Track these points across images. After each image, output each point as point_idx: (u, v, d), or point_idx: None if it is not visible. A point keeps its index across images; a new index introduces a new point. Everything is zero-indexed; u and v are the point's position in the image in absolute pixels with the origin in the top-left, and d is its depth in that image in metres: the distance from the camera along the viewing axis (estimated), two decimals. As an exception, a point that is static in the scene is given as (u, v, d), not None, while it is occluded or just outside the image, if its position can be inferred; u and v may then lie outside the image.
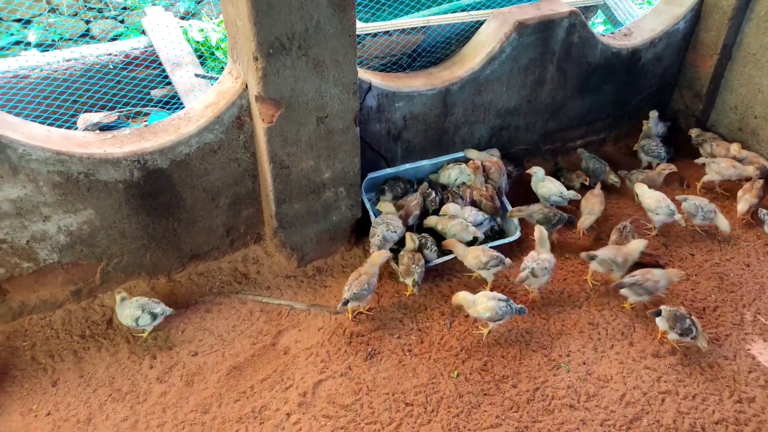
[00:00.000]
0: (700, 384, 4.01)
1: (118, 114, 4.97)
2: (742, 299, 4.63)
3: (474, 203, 4.97)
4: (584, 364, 4.12)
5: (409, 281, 4.38)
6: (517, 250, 4.91)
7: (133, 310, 4.00)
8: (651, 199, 5.09)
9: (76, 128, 5.18)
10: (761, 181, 5.28)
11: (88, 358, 4.03)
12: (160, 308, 4.06)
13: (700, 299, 4.63)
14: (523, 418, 3.75)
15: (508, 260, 4.48)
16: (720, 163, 5.45)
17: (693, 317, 4.11)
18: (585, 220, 5.02)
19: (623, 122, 6.16)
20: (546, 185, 5.17)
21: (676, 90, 6.21)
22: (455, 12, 5.11)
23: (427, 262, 4.53)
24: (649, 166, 5.93)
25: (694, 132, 5.95)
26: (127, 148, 3.96)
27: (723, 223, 5.02)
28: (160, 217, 4.22)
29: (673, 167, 5.55)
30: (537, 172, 5.17)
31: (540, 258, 4.36)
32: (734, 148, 5.65)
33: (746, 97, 5.75)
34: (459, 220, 4.70)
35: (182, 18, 7.92)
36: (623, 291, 4.37)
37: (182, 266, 4.55)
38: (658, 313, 4.14)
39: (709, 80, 5.85)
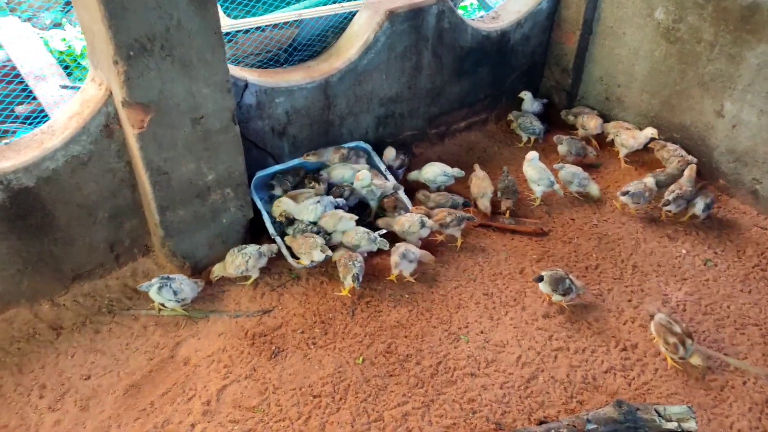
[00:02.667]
0: (588, 338, 4.28)
1: (-26, 134, 4.63)
2: (620, 255, 4.98)
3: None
4: (482, 333, 4.28)
5: (349, 278, 4.35)
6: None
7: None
8: (533, 170, 5.36)
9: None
10: None
11: (-33, 398, 3.74)
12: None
13: (583, 259, 4.93)
14: (428, 392, 3.85)
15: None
16: (621, 134, 5.82)
17: (571, 276, 4.38)
18: (481, 203, 5.20)
19: (501, 101, 6.43)
20: (427, 168, 5.36)
21: (546, 67, 6.55)
22: (327, 4, 5.14)
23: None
24: (529, 141, 6.25)
25: (563, 114, 6.33)
26: (-14, 169, 3.69)
27: (594, 189, 5.39)
28: (33, 239, 3.97)
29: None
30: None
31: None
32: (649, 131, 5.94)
33: (609, 68, 6.16)
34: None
35: (51, 28, 7.45)
36: None
37: (65, 288, 4.31)
38: (540, 279, 4.37)
39: (575, 55, 6.21)
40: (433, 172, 5.35)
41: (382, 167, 5.30)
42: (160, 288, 4.10)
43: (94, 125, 3.83)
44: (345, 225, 4.65)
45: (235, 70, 4.38)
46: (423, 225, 4.68)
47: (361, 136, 5.38)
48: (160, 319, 4.27)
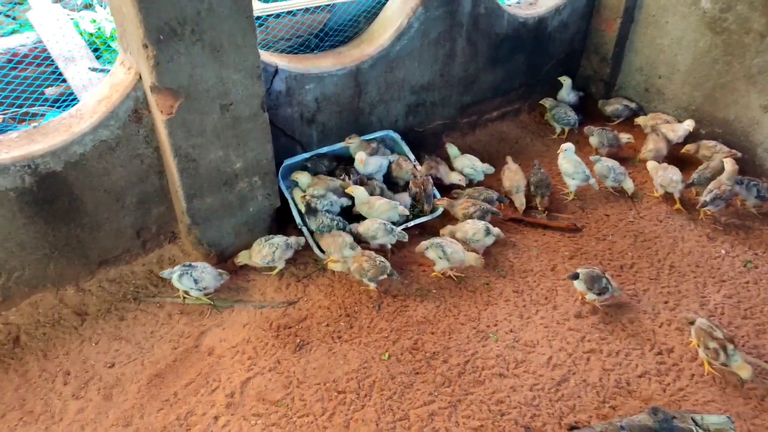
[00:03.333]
0: (623, 340, 4.14)
1: (3, 117, 4.59)
2: (657, 254, 4.80)
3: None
4: (511, 332, 4.16)
5: (377, 280, 4.27)
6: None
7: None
8: (569, 163, 5.19)
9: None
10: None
11: (-7, 381, 3.75)
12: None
13: (618, 258, 4.76)
14: (456, 391, 3.76)
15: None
16: (661, 127, 5.61)
17: (608, 276, 4.22)
18: (518, 200, 5.05)
19: (536, 90, 6.24)
20: (459, 159, 5.23)
21: (584, 56, 6.34)
22: (360, -12, 5.00)
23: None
24: (563, 132, 6.06)
25: (600, 104, 6.13)
26: (15, 152, 3.65)
27: (629, 184, 5.21)
28: (60, 223, 3.93)
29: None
30: (450, 148, 5.24)
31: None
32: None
33: (650, 58, 5.93)
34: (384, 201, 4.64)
35: (82, 9, 7.41)
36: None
37: (91, 274, 4.28)
38: (576, 276, 4.23)
39: (615, 44, 5.99)
40: (461, 163, 5.22)
41: (411, 156, 5.17)
42: (181, 275, 4.05)
43: (122, 110, 3.77)
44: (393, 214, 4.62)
45: (265, 56, 4.28)
46: (488, 233, 4.54)
47: (390, 125, 5.25)
48: (185, 308, 4.23)
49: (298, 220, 4.57)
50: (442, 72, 5.26)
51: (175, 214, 4.42)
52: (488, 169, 5.29)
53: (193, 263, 4.12)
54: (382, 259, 4.24)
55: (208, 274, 4.11)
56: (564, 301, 4.39)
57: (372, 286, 4.31)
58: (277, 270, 4.46)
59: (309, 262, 4.60)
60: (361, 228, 4.53)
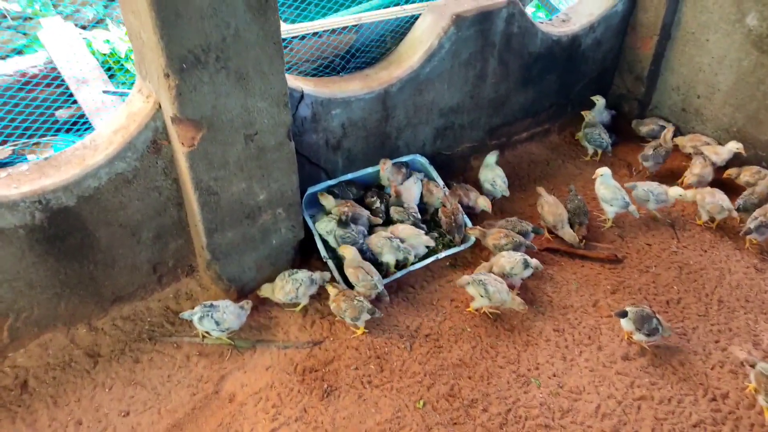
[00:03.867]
0: (674, 385, 3.84)
1: (12, 149, 4.35)
2: (704, 288, 4.51)
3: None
4: (555, 376, 3.87)
5: (359, 319, 4.02)
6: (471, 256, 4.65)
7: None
8: (606, 189, 4.90)
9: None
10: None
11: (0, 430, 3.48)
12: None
13: (663, 292, 4.47)
14: (498, 446, 3.47)
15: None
16: (703, 150, 5.31)
17: (659, 316, 3.93)
18: (567, 235, 4.76)
19: (567, 111, 5.97)
20: (484, 171, 5.05)
21: (617, 74, 6.06)
22: (387, 7, 4.74)
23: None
24: (595, 154, 5.78)
25: (634, 124, 5.84)
26: (25, 187, 3.40)
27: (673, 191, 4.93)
28: (72, 261, 3.68)
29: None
30: (490, 156, 5.13)
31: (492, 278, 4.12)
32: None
33: (688, 77, 5.65)
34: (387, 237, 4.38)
35: (86, 27, 7.20)
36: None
37: (104, 311, 4.03)
38: (624, 314, 3.94)
39: (650, 62, 5.72)
40: (485, 176, 4.99)
41: (440, 181, 4.91)
42: (201, 318, 3.79)
43: (140, 141, 3.52)
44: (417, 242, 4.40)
45: (291, 80, 4.02)
46: (527, 265, 4.25)
47: (417, 149, 4.99)
48: (204, 348, 3.96)
49: (322, 252, 4.31)
50: (472, 94, 5.00)
51: (194, 248, 4.17)
52: (505, 191, 4.99)
53: (214, 303, 3.86)
54: (361, 299, 3.98)
55: (230, 314, 3.85)
56: (609, 341, 4.10)
57: (360, 326, 4.04)
58: (300, 306, 4.19)
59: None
60: (371, 243, 4.34)
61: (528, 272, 4.25)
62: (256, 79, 3.39)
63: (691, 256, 4.80)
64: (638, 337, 3.95)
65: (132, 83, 5.16)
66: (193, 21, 2.99)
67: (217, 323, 3.80)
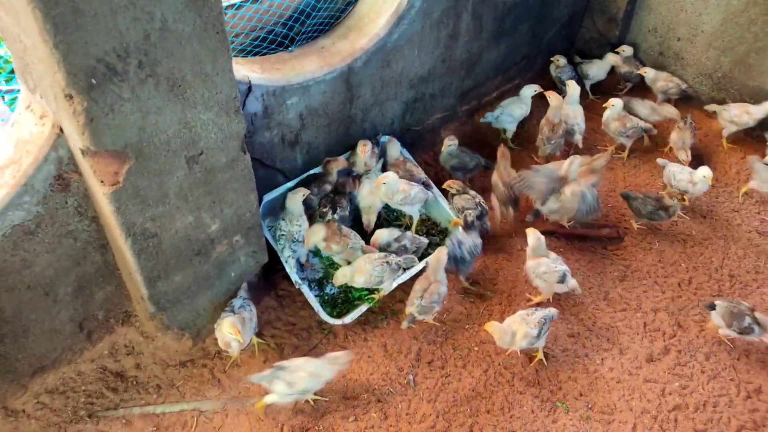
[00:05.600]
0: (705, 386, 3.47)
1: None
2: (711, 262, 4.14)
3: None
4: (581, 395, 3.39)
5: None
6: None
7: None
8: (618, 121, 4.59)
9: None
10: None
11: None
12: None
13: (672, 272, 4.04)
14: (539, 499, 2.97)
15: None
16: (731, 109, 4.74)
17: (756, 313, 3.47)
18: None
19: (536, 62, 5.29)
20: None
21: (587, 17, 5.40)
22: (337, -44, 3.78)
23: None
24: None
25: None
26: None
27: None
28: (-34, 344, 2.73)
29: None
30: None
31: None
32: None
33: (667, 18, 5.07)
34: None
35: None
36: None
37: (22, 388, 3.12)
38: (712, 307, 3.52)
39: (626, 1, 5.08)
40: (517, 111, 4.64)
41: (411, 158, 4.17)
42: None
43: (40, 179, 2.54)
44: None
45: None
46: (562, 281, 3.56)
47: (385, 128, 4.19)
48: (161, 420, 3.16)
49: (294, 277, 3.52)
50: (444, 57, 4.20)
51: (127, 292, 3.27)
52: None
53: (283, 364, 3.04)
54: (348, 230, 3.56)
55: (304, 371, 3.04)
56: (629, 341, 3.65)
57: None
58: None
59: (312, 328, 3.60)
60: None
61: (562, 289, 3.64)
62: (197, 84, 2.46)
63: (692, 225, 4.38)
64: (725, 332, 3.53)
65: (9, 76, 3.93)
66: (100, 17, 2.00)
67: (290, 384, 3.01)
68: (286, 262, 3.51)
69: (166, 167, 2.59)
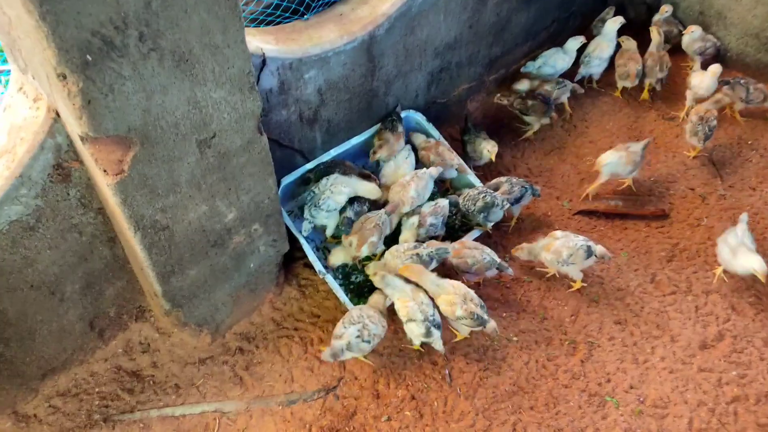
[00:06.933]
0: (765, 375, 3.19)
1: None
2: (765, 239, 3.81)
3: None
4: (631, 388, 3.13)
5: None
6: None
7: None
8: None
9: None
10: None
11: None
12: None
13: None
14: (591, 504, 2.74)
15: None
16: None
17: None
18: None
19: (568, 26, 4.91)
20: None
21: (622, -27, 5.01)
22: None
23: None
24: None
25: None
26: None
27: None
28: (-33, 350, 2.52)
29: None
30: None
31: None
32: None
33: (710, -27, 4.67)
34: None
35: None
36: None
37: (33, 392, 2.92)
38: None
39: (664, -44, 4.68)
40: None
41: (442, 138, 3.86)
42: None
43: (37, 170, 2.29)
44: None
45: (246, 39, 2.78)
46: (590, 254, 3.28)
47: (410, 102, 3.89)
48: (182, 422, 2.96)
49: (318, 266, 3.27)
50: (471, 22, 3.87)
51: (140, 286, 3.04)
52: (493, 147, 3.93)
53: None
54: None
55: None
56: (680, 326, 3.37)
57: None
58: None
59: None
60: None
61: (590, 262, 3.36)
62: (206, 58, 2.17)
63: (741, 197, 4.05)
64: None
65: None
66: (92, -18, 1.72)
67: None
68: (310, 251, 3.24)
69: (175, 153, 2.32)
